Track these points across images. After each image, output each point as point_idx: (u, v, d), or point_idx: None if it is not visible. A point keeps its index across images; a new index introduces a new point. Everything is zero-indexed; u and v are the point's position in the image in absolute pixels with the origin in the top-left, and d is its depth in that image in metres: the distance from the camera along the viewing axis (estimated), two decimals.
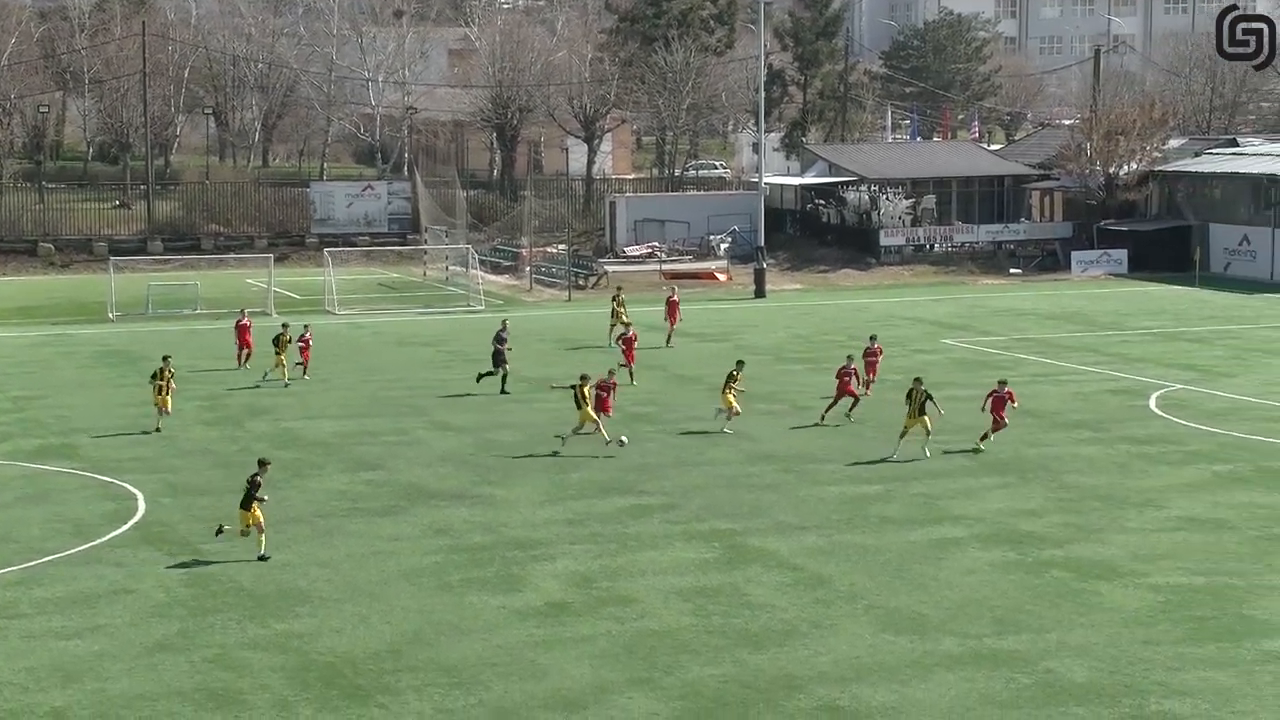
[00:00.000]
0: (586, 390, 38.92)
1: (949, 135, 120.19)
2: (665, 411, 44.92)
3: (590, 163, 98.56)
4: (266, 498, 30.46)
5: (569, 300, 72.57)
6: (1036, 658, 24.34)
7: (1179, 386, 47.56)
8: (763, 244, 77.91)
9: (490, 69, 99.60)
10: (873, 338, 47.00)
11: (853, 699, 22.83)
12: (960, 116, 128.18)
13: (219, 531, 30.53)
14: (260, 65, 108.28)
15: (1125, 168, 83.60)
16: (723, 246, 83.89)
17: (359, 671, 24.07)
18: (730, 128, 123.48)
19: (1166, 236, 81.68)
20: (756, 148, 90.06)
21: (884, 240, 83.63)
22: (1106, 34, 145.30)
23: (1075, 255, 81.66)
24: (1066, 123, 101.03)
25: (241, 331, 51.86)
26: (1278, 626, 25.58)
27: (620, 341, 50.83)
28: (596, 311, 67.46)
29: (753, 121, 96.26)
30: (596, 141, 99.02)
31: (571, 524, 32.59)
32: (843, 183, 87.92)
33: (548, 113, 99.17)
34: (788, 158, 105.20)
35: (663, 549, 30.68)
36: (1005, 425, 39.18)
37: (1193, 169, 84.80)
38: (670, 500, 34.51)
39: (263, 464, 31.01)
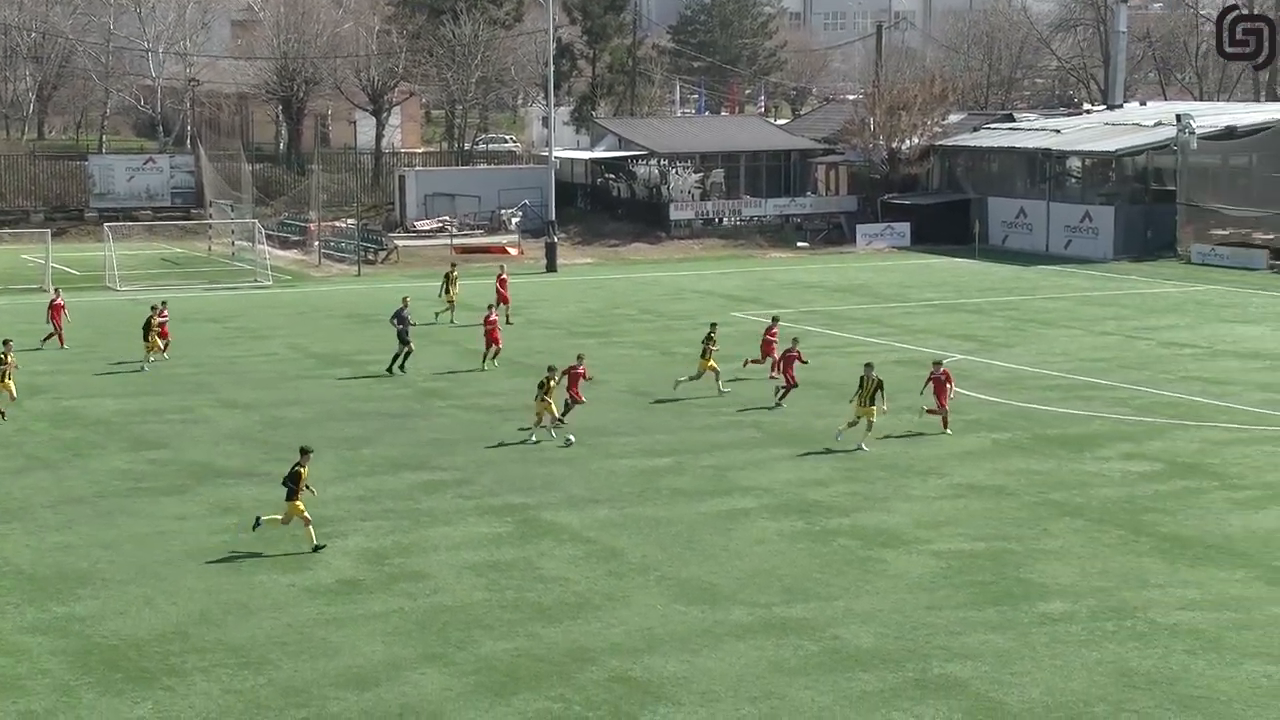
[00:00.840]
0: (553, 383, 37.56)
1: (737, 110, 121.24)
2: (457, 387, 44.74)
3: (379, 136, 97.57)
4: (314, 490, 29.51)
5: (359, 275, 71.84)
6: (824, 625, 24.75)
7: (960, 357, 48.63)
8: (554, 218, 77.92)
9: (275, 41, 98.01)
10: (774, 319, 46.41)
11: (645, 669, 22.99)
12: (747, 91, 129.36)
13: (256, 524, 29.19)
14: (33, 34, 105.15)
15: (907, 142, 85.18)
16: (514, 221, 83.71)
17: (144, 654, 23.61)
18: (520, 101, 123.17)
19: (947, 210, 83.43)
20: (546, 122, 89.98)
21: (674, 214, 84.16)
22: (888, 10, 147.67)
23: (860, 228, 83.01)
24: (850, 98, 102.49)
25: (54, 312, 50.48)
26: (1053, 590, 26.32)
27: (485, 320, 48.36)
28: (387, 286, 66.92)
29: (542, 95, 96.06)
30: (385, 115, 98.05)
31: (363, 501, 32.31)
32: (632, 157, 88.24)
33: (335, 85, 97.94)
34: (578, 132, 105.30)
35: (455, 524, 30.57)
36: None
37: (972, 144, 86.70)
38: (463, 475, 34.39)
39: (305, 452, 29.47)
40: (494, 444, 37.37)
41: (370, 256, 75.85)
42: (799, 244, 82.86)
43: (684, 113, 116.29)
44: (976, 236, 78.49)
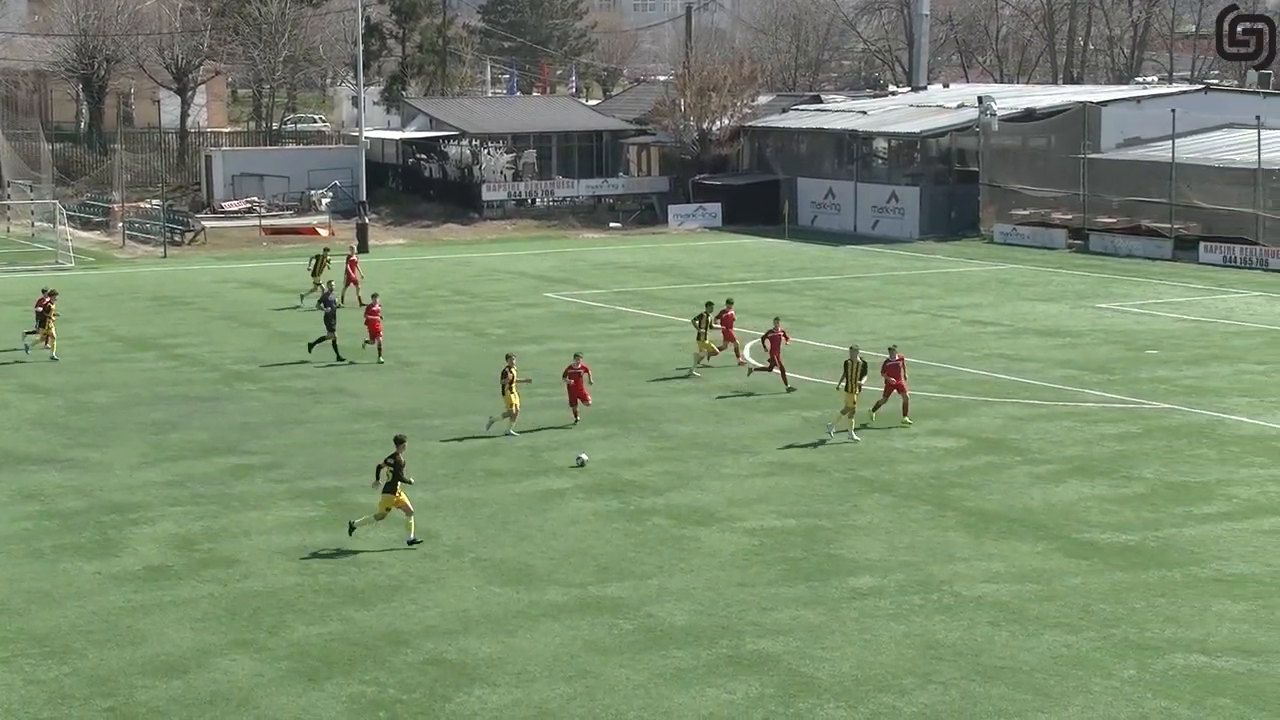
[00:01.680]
0: (514, 371, 36.43)
1: (548, 91, 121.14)
2: (267, 369, 44.15)
3: (184, 115, 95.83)
4: (413, 480, 28.46)
5: (165, 257, 70.52)
6: (638, 603, 24.87)
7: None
8: (365, 199, 77.20)
9: (74, 17, 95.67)
10: (729, 302, 46.00)
11: (460, 651, 22.92)
12: (559, 72, 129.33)
13: (351, 529, 28.01)
14: None
15: (718, 124, 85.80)
16: (324, 201, 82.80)
17: None
18: (329, 81, 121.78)
19: (757, 191, 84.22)
20: (356, 101, 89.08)
21: (486, 195, 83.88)
22: None
23: (672, 209, 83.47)
24: (661, 79, 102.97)
25: None
26: (863, 565, 26.74)
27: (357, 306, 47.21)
28: (194, 268, 65.83)
29: (351, 75, 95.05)
30: (190, 94, 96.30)
31: (171, 486, 31.75)
32: (444, 137, 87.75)
33: (137, 64, 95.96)
34: (388, 112, 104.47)
35: (267, 509, 30.18)
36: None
37: (780, 125, 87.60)
38: (274, 459, 33.95)
39: (400, 441, 28.30)
40: (305, 427, 36.95)
41: (176, 238, 74.51)
42: (612, 224, 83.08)
43: (495, 93, 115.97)
44: (786, 217, 79.36)
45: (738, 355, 43.69)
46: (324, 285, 50.24)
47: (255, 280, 62.99)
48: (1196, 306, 55.38)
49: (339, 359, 44.48)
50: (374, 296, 46.37)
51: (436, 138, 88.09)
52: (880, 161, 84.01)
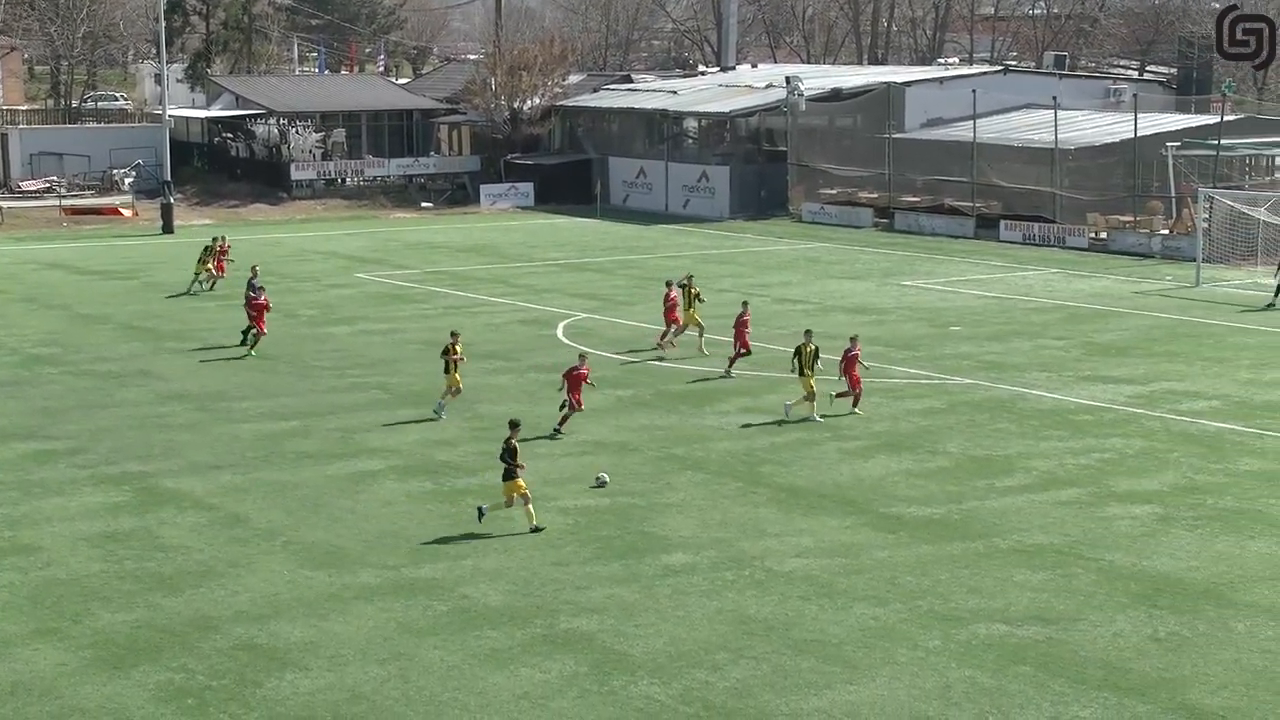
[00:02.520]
0: (459, 347, 35.85)
1: (356, 69, 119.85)
2: (69, 352, 43.16)
3: None
4: (525, 465, 27.51)
5: None
6: (453, 584, 24.77)
7: (584, 315, 49.20)
8: (169, 178, 75.70)
9: None
10: (669, 283, 45.29)
11: (271, 636, 22.64)
12: (367, 50, 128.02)
13: (480, 514, 27.37)
14: None
15: (529, 103, 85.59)
16: (127, 181, 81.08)
17: None
18: (130, 58, 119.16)
19: (570, 170, 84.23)
20: (159, 79, 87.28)
21: (295, 174, 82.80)
22: None
23: (484, 189, 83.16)
24: (472, 58, 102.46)
25: None
26: (676, 542, 26.91)
27: (250, 308, 44.14)
28: None
29: (154, 52, 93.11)
30: None
31: None
32: (251, 116, 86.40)
33: None
34: (193, 89, 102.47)
35: (70, 495, 29.51)
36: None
37: (592, 104, 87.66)
38: (77, 444, 33.20)
39: (514, 425, 27.83)
40: (110, 410, 36.19)
41: None
42: (423, 204, 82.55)
43: (303, 71, 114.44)
44: (598, 196, 79.49)
45: (662, 337, 43.22)
46: (211, 273, 50.02)
47: (56, 262, 61.56)
48: (998, 283, 56.56)
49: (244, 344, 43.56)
50: (260, 289, 45.05)
51: (243, 116, 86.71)
52: (691, 141, 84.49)
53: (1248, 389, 38.33)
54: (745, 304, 41.55)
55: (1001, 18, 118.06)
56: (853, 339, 36.63)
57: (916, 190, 74.79)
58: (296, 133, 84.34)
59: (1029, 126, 74.13)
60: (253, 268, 47.76)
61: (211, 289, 53.29)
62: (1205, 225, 58.48)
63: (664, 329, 43.65)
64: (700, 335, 42.92)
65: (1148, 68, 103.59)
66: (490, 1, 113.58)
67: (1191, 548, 26.42)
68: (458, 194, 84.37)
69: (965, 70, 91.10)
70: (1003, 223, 68.81)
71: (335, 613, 23.55)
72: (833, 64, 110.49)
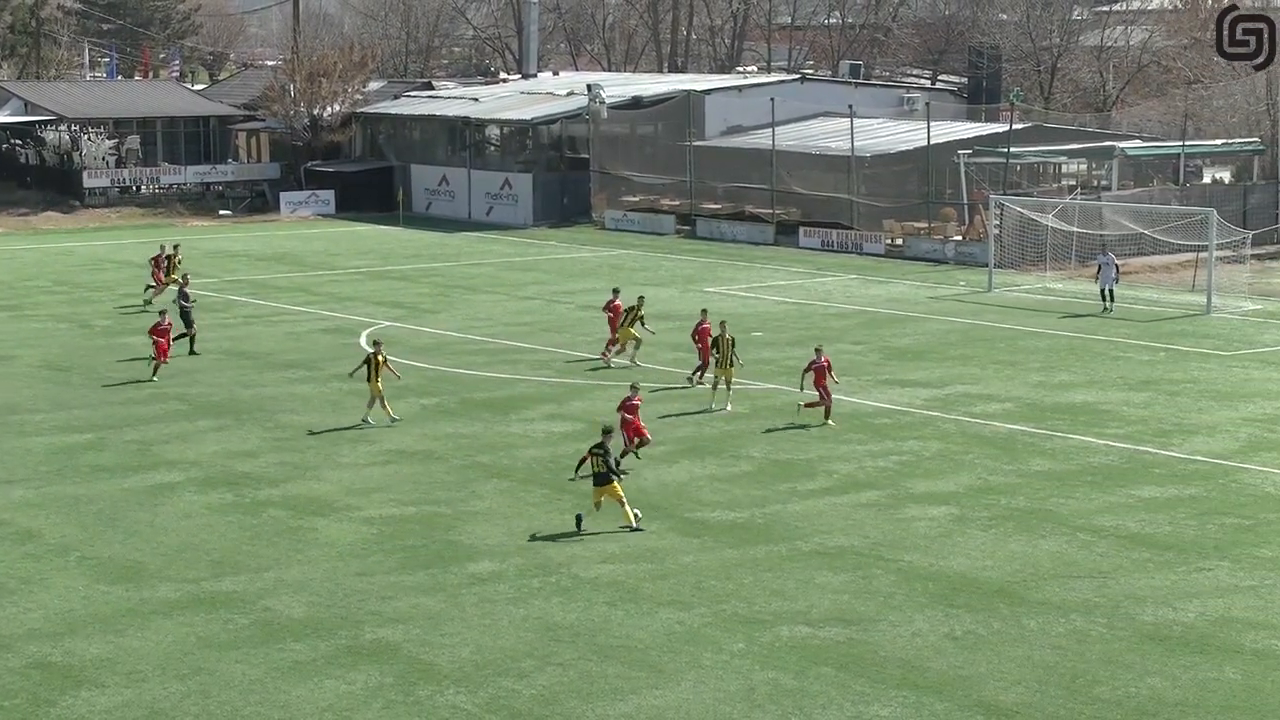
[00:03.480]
0: (381, 358, 35.32)
1: (150, 75, 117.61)
2: None
3: None
4: (626, 472, 27.74)
5: None
6: (255, 597, 24.42)
7: (387, 324, 48.84)
8: None
9: None
10: (616, 290, 44.44)
11: (66, 653, 22.11)
12: (161, 55, 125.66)
13: (579, 523, 27.62)
14: None
15: (329, 110, 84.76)
16: None
17: None
18: None
19: (371, 177, 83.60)
20: None
21: (88, 182, 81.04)
22: None
23: (284, 196, 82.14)
24: (270, 64, 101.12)
25: None
26: (481, 550, 26.83)
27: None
28: None
29: None
30: None
31: None
32: (40, 122, 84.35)
33: None
34: None
35: None
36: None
37: (393, 111, 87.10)
38: None
39: (607, 432, 28.21)
40: None
41: None
42: (221, 212, 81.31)
43: (95, 77, 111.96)
44: (401, 204, 78.97)
45: (608, 346, 42.69)
46: (180, 280, 47.63)
47: None
48: (797, 289, 57.32)
49: (193, 352, 43.00)
50: (163, 314, 43.62)
51: (32, 123, 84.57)
52: (493, 148, 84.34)
53: (1038, 391, 39.31)
54: (704, 311, 41.46)
55: (798, 27, 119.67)
56: (818, 349, 36.39)
57: (717, 197, 75.48)
58: (89, 140, 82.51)
59: (826, 134, 75.23)
60: (183, 276, 46.66)
61: (148, 304, 51.25)
62: (996, 231, 59.87)
63: (611, 338, 42.99)
64: (635, 349, 42.37)
65: (940, 77, 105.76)
66: (288, 7, 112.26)
67: (986, 547, 27.02)
68: (257, 202, 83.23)
69: (764, 79, 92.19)
70: (802, 229, 69.72)
71: (133, 628, 23.08)
72: (634, 72, 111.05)
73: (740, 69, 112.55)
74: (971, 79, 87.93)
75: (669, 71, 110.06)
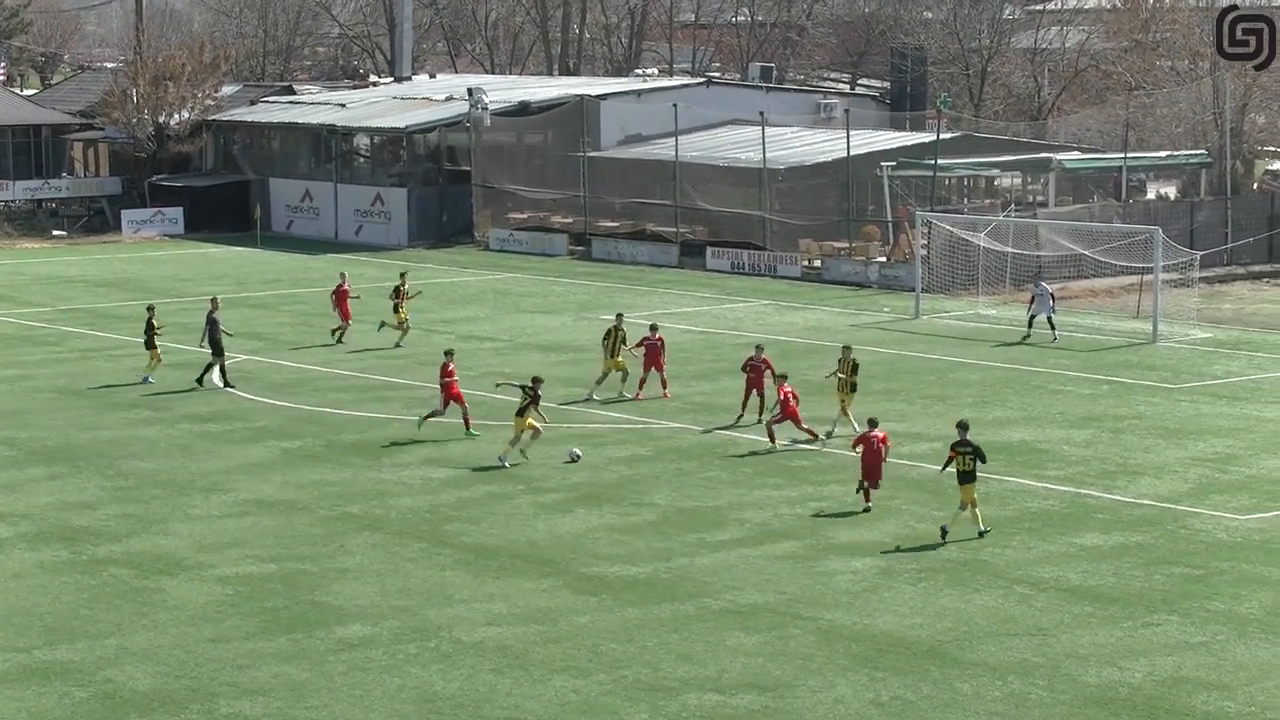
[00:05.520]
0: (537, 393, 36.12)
1: None
2: None
3: None
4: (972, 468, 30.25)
5: None
6: (94, 667, 24.16)
7: (243, 357, 48.51)
8: None
9: None
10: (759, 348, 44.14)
11: None
12: None
13: (944, 534, 30.30)
14: None
15: (176, 117, 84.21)
16: None
17: None
18: None
19: (225, 192, 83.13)
20: None
21: None
22: None
23: (126, 214, 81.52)
24: (109, 66, 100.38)
25: None
26: (352, 612, 26.69)
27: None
28: None
29: None
30: None
31: None
32: None
33: None
34: None
35: None
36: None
37: (249, 119, 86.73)
38: None
39: (964, 427, 31.12)
40: None
41: None
42: (55, 232, 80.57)
43: None
44: (258, 222, 78.54)
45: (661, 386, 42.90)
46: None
47: None
48: (704, 316, 57.57)
49: (225, 384, 43.52)
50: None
51: None
52: (362, 160, 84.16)
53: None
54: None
55: (703, 25, 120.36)
56: (758, 347, 40.42)
57: (615, 214, 75.71)
58: None
59: (735, 144, 75.73)
60: (213, 298, 46.65)
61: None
62: (924, 252, 60.45)
63: (641, 376, 43.09)
64: (624, 379, 42.79)
65: (860, 81, 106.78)
66: (129, 2, 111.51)
67: (915, 603, 27.24)
68: (95, 221, 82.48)
69: (665, 82, 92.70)
70: (709, 250, 70.09)
71: None
72: (520, 74, 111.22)
73: (639, 71, 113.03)
74: (895, 83, 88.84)
75: (560, 74, 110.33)
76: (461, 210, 78.75)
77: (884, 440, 32.66)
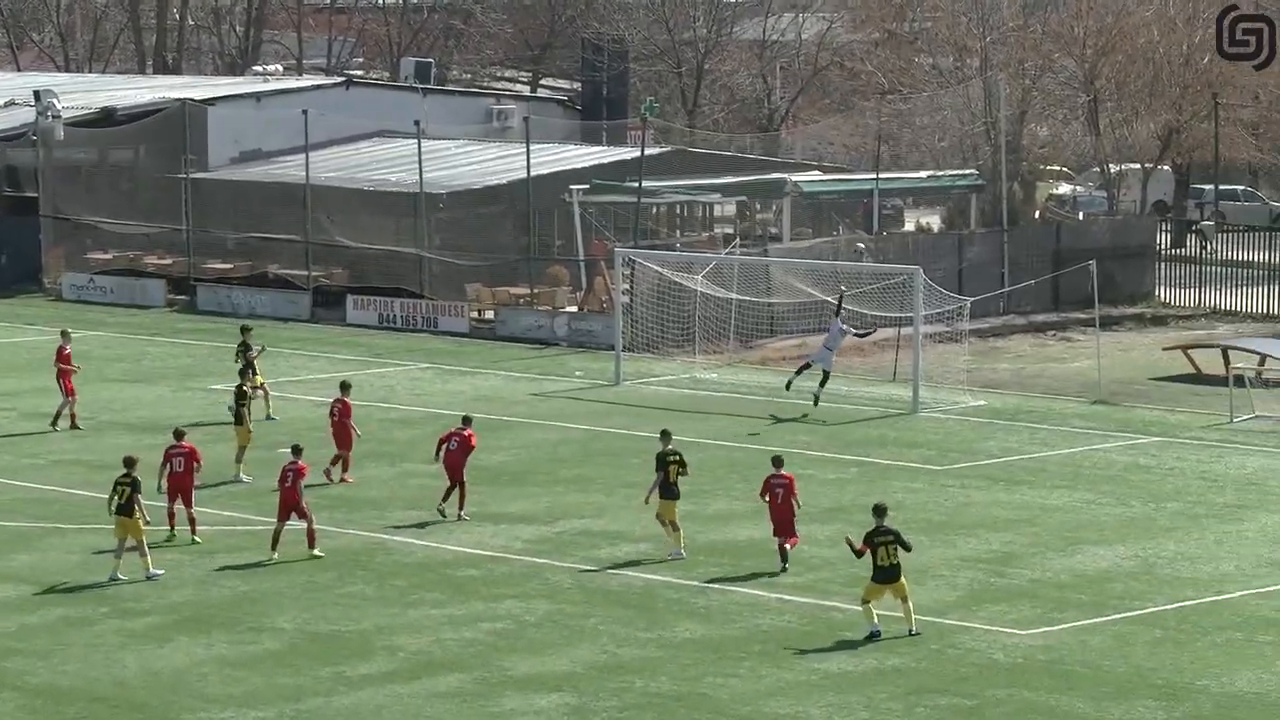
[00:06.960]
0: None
1: None
2: None
3: None
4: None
5: None
6: None
7: None
8: None
9: None
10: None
11: None
12: None
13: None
14: None
15: None
16: None
17: None
18: None
19: None
20: None
21: None
22: None
23: None
24: None
25: None
26: None
27: None
28: None
29: None
30: None
31: None
32: None
33: None
34: None
35: None
36: None
37: None
38: None
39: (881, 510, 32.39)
40: None
41: None
42: None
43: None
44: None
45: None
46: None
47: None
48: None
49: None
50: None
51: None
52: None
53: (686, 526, 39.59)
54: (467, 419, 41.97)
55: (341, 10, 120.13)
56: (466, 418, 41.47)
57: (228, 254, 74.91)
58: None
59: (383, 162, 75.64)
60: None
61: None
62: (625, 299, 60.67)
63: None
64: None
65: (543, 81, 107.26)
66: None
67: None
68: None
69: (293, 83, 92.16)
70: (350, 298, 69.69)
71: None
72: (103, 73, 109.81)
73: (259, 68, 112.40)
74: (587, 85, 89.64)
75: (155, 72, 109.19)
76: (25, 248, 77.22)
77: (791, 486, 36.65)
